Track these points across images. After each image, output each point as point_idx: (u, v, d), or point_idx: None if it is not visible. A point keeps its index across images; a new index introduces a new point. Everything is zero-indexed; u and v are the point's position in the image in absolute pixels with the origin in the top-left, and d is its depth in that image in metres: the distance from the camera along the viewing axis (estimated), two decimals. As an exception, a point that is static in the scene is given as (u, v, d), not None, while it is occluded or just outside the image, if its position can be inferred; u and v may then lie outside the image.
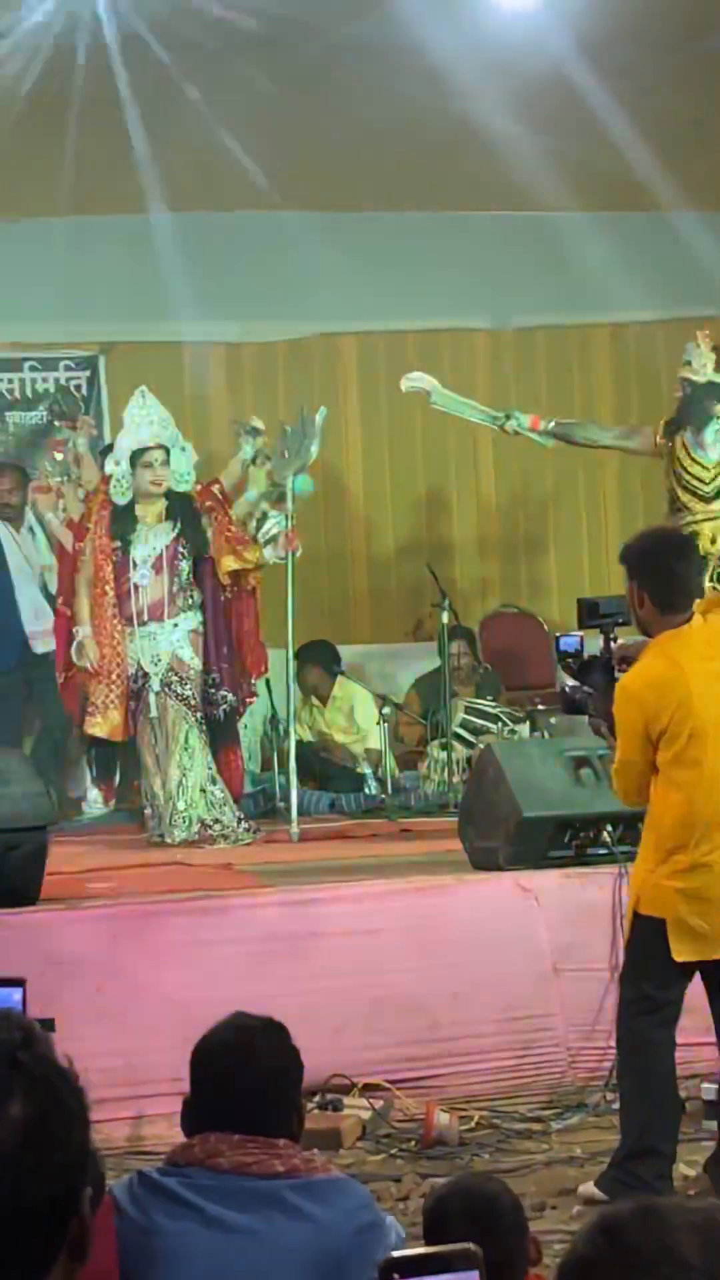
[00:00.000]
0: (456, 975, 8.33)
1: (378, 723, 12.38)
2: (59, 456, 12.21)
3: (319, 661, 12.79)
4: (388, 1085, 7.93)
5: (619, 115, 12.43)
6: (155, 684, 10.62)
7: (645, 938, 6.63)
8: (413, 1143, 7.54)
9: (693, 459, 11.01)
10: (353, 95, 11.99)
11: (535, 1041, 8.31)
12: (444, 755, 11.87)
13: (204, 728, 10.82)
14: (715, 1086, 7.39)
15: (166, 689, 10.64)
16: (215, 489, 11.04)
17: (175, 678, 10.64)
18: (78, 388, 13.54)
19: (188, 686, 10.71)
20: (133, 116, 11.99)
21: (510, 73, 11.84)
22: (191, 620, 10.80)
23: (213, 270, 13.22)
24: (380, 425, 14.20)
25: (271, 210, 13.21)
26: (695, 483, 11.05)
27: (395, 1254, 1.98)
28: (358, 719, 12.73)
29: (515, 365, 14.41)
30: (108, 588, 10.77)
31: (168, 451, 10.84)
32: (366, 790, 12.20)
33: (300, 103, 12.07)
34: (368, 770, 12.36)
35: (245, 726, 11.69)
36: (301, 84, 11.85)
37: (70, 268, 12.91)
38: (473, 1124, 7.72)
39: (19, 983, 4.35)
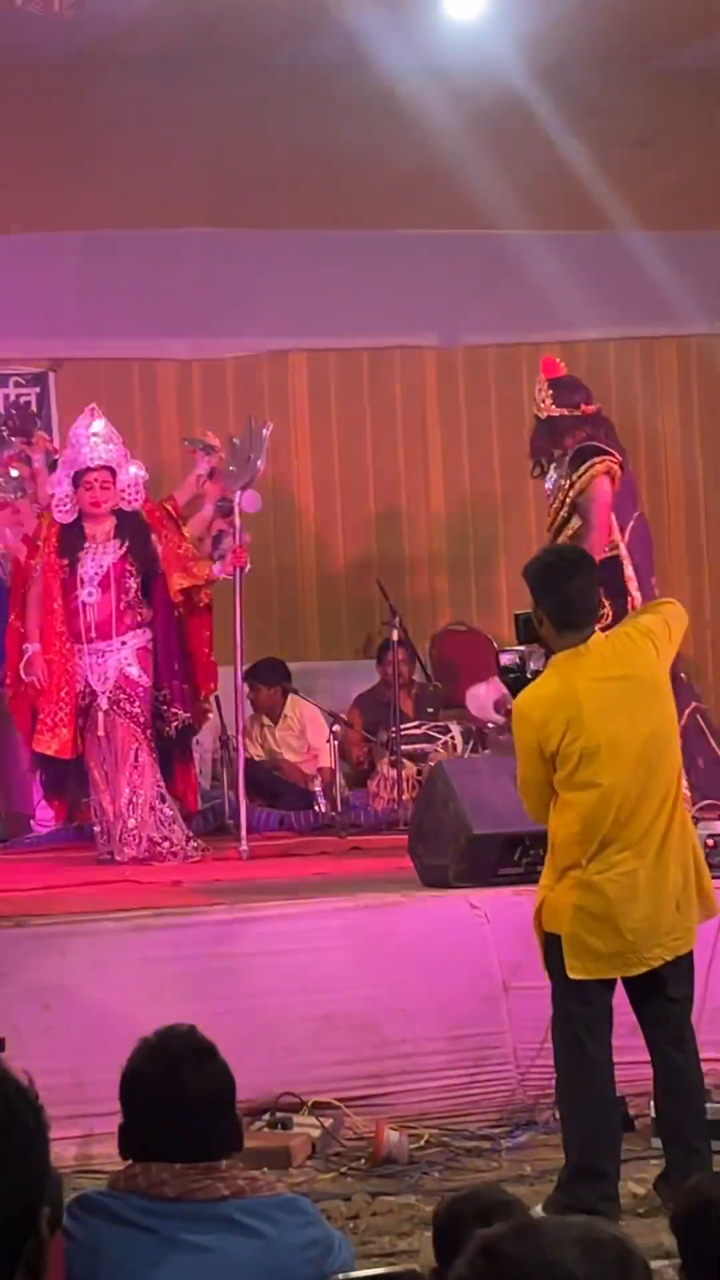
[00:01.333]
0: (406, 993, 8.34)
1: (327, 740, 12.38)
2: (14, 473, 12.17)
3: (270, 680, 12.79)
4: (337, 1103, 7.93)
5: (567, 134, 12.49)
6: (103, 702, 10.58)
7: (552, 954, 6.70)
8: (363, 1161, 7.55)
9: None
10: (300, 114, 12.03)
11: (485, 1059, 8.33)
12: (393, 773, 11.88)
13: (154, 745, 10.77)
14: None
15: (115, 707, 10.58)
16: (168, 505, 10.99)
17: (123, 695, 10.59)
18: (28, 404, 13.51)
19: (136, 704, 10.63)
20: (85, 134, 12.02)
21: (459, 92, 11.88)
22: (140, 638, 10.79)
23: (162, 287, 13.22)
24: (330, 442, 14.20)
25: (221, 227, 13.23)
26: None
27: (343, 1275, 2.01)
28: (309, 737, 12.73)
29: (466, 382, 14.42)
30: (56, 605, 10.74)
31: (113, 472, 10.73)
32: (316, 808, 12.20)
33: (248, 121, 12.11)
34: (318, 788, 12.36)
35: (197, 743, 11.65)
36: (249, 103, 11.88)
37: (20, 283, 12.90)
38: (422, 1142, 7.73)
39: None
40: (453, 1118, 8.07)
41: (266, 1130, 7.61)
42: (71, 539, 10.75)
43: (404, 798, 11.52)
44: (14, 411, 13.39)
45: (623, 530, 10.28)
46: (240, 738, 11.53)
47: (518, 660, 7.40)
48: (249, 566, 11.03)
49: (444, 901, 8.68)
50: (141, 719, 10.68)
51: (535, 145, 12.60)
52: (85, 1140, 7.24)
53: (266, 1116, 7.72)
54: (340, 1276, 2.03)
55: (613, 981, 6.68)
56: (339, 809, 11.90)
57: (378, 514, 14.28)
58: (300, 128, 12.15)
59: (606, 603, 8.67)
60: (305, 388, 14.15)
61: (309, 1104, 7.88)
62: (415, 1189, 7.22)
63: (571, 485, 9.99)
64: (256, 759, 12.68)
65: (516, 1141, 7.76)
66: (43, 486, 11.38)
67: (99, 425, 10.94)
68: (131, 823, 10.52)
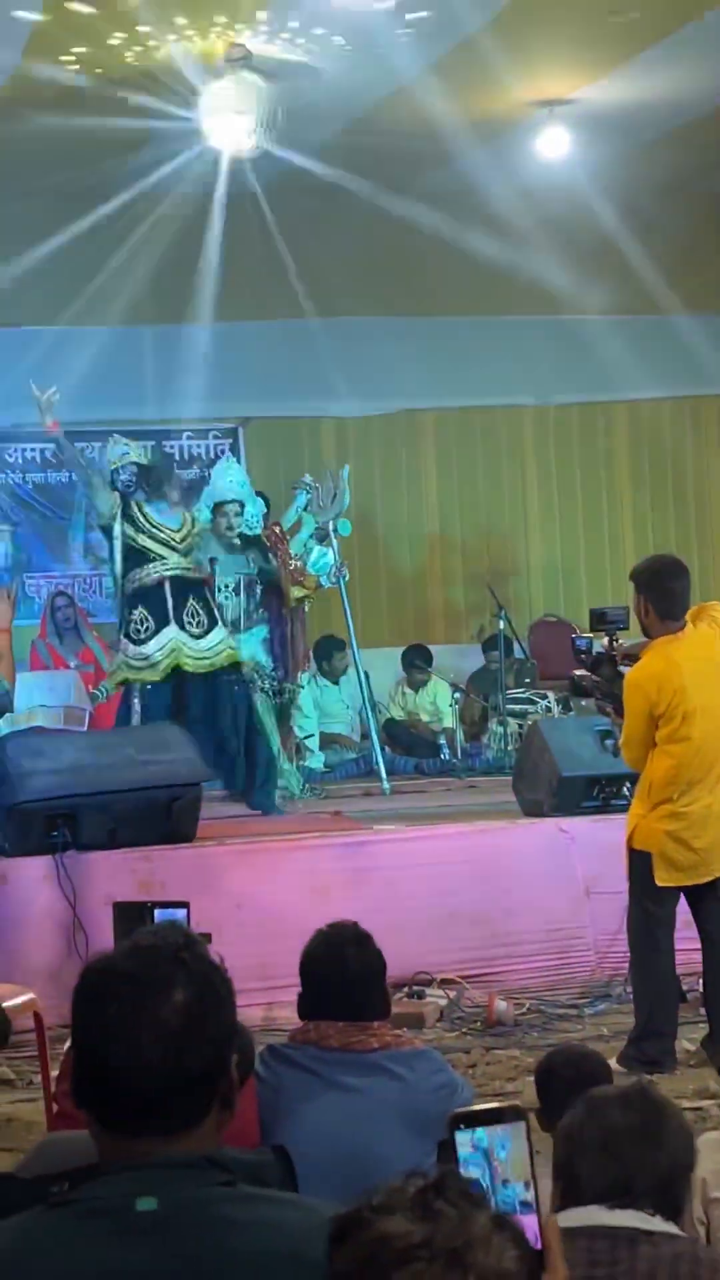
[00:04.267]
0: (511, 897, 8.30)
1: (450, 705, 12.38)
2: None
3: (418, 659, 12.81)
4: (459, 980, 7.90)
5: (631, 242, 12.43)
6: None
7: (639, 867, 6.64)
8: (478, 1023, 7.51)
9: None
10: (428, 233, 12.02)
11: (571, 947, 8.27)
12: (500, 729, 11.84)
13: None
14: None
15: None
16: (276, 529, 10.71)
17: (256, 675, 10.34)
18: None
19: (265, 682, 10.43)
20: (267, 248, 12.06)
21: (546, 211, 11.87)
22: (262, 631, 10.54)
23: (324, 360, 13.23)
24: (452, 481, 14.18)
25: (368, 315, 13.24)
26: None
27: (459, 1110, 1.97)
28: (439, 703, 12.71)
29: (555, 434, 14.38)
30: None
31: (242, 505, 10.39)
32: (442, 756, 12.17)
33: (389, 232, 12.10)
34: (443, 741, 12.34)
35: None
36: (389, 220, 11.88)
37: (220, 359, 12.95)
38: (524, 1010, 7.68)
39: (184, 905, 4.32)
40: (547, 991, 8.01)
41: (405, 1000, 7.57)
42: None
43: (508, 748, 11.47)
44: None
45: None
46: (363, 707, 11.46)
47: (588, 644, 7.41)
48: (347, 576, 10.94)
49: (540, 827, 8.62)
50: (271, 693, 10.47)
51: (606, 250, 12.53)
52: (269, 1006, 7.23)
53: (405, 989, 7.69)
54: (461, 1109, 1.99)
55: (679, 890, 6.61)
56: (459, 757, 11.87)
57: (489, 534, 14.23)
58: (426, 237, 12.12)
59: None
60: (432, 439, 14.13)
61: (437, 980, 7.86)
62: (519, 1045, 7.17)
63: None
64: (397, 718, 12.70)
65: (596, 1010, 7.70)
66: None
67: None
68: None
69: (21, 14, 9.13)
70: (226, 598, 10.35)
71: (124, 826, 7.91)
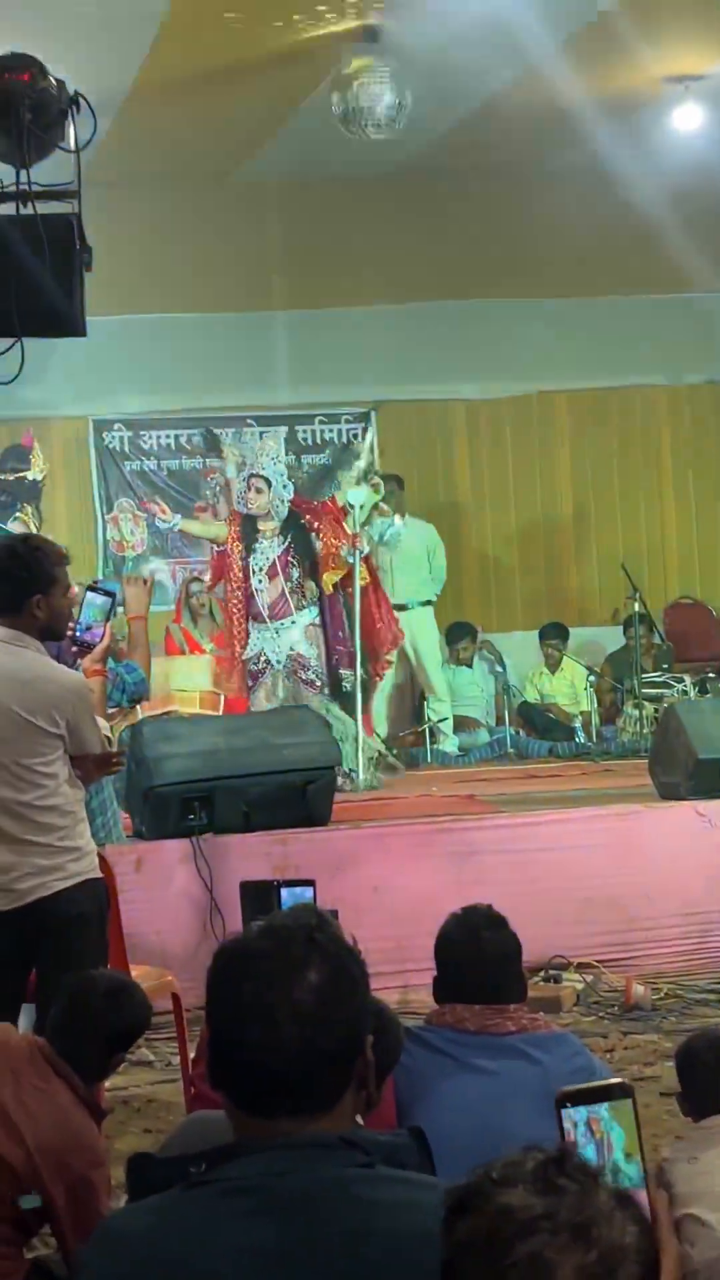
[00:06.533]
0: (648, 880, 8.23)
1: (585, 689, 12.31)
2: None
3: (555, 636, 12.74)
4: (596, 964, 7.86)
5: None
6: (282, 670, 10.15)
7: None
8: (616, 1007, 7.47)
9: None
10: (559, 212, 11.94)
11: (709, 930, 8.19)
12: (636, 712, 11.75)
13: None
14: None
15: (291, 675, 10.10)
16: (331, 504, 10.40)
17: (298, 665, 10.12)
18: (355, 436, 13.55)
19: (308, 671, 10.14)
20: (395, 234, 12.02)
21: (680, 189, 11.74)
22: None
23: (455, 344, 13.20)
24: (585, 462, 14.09)
25: (500, 298, 13.18)
26: None
27: (566, 1088, 1.97)
28: (574, 685, 12.64)
29: (689, 414, 14.24)
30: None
31: (268, 482, 10.14)
32: (577, 739, 12.10)
33: (516, 215, 12.02)
34: (578, 724, 12.28)
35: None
36: (515, 202, 11.82)
37: (351, 344, 12.97)
38: (662, 994, 7.62)
39: (309, 883, 4.34)
40: (684, 975, 7.94)
41: (542, 984, 7.54)
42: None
43: (645, 731, 11.38)
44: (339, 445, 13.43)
45: None
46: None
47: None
48: (363, 548, 10.48)
49: (676, 810, 8.54)
50: (317, 682, 10.17)
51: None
52: (404, 989, 7.22)
53: (542, 973, 7.66)
54: (569, 1088, 1.98)
55: None
56: (595, 740, 11.80)
57: (623, 515, 14.13)
58: (556, 217, 12.04)
59: None
60: (565, 420, 14.04)
61: (574, 964, 7.82)
62: (656, 1029, 7.12)
63: None
64: (531, 701, 12.65)
65: (735, 994, 7.64)
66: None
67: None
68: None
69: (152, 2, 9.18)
70: (260, 582, 10.15)
71: (259, 810, 7.94)
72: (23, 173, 4.97)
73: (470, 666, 12.68)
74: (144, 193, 12.05)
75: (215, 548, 10.54)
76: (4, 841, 4.82)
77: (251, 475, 10.22)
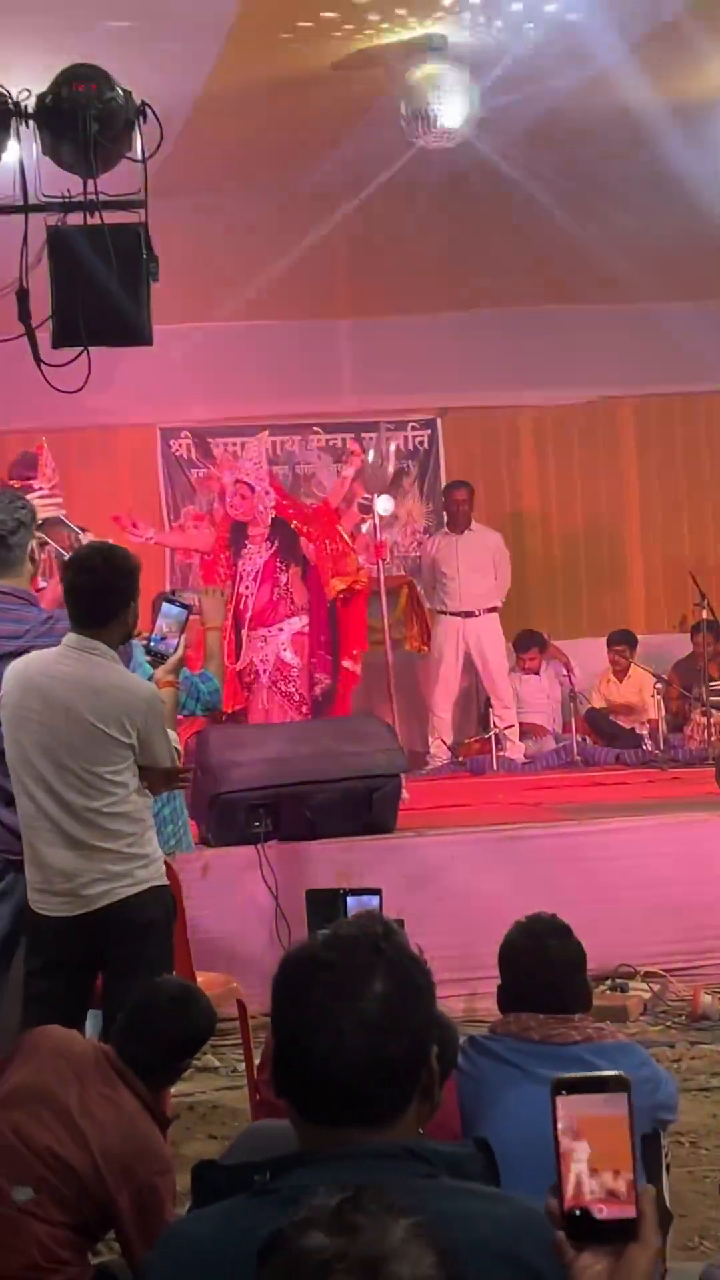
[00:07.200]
0: (715, 890, 8.19)
1: (652, 695, 12.26)
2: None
3: (622, 643, 12.70)
4: (662, 973, 7.82)
5: None
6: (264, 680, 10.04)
7: None
8: (683, 1017, 7.44)
9: None
10: (623, 219, 11.88)
11: (778, 940, 8.16)
12: (704, 720, 11.69)
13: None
14: None
15: (273, 685, 10.00)
16: (325, 505, 10.35)
17: (279, 675, 10.03)
18: (420, 442, 13.54)
19: (291, 683, 10.03)
20: (465, 240, 12.01)
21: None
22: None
23: (520, 351, 13.17)
24: (651, 468, 14.02)
25: (565, 304, 13.14)
26: None
27: (563, 1075, 1.99)
28: (642, 692, 12.59)
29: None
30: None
31: (251, 488, 10.08)
32: (644, 747, 12.05)
33: (583, 219, 11.97)
34: (645, 731, 12.22)
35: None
36: (584, 207, 11.76)
37: (418, 352, 12.96)
38: (729, 1004, 7.60)
39: (376, 891, 4.35)
40: (753, 985, 7.91)
41: (608, 992, 7.51)
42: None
43: (712, 739, 11.32)
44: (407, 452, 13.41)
45: None
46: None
47: None
48: (388, 558, 10.59)
49: (744, 818, 8.51)
50: (296, 694, 10.03)
51: None
52: (470, 997, 7.22)
53: (609, 982, 7.64)
54: (564, 1075, 2.00)
55: None
56: (662, 748, 11.75)
57: (690, 521, 14.05)
58: (620, 224, 11.98)
59: None
60: (631, 426, 13.99)
61: (641, 973, 7.80)
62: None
63: None
64: (598, 708, 12.61)
65: None
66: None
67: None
68: None
69: (221, 7, 9.20)
70: (247, 587, 10.04)
71: (324, 817, 7.95)
72: (90, 183, 5.00)
73: (538, 674, 12.65)
74: (211, 202, 12.06)
75: (202, 556, 10.47)
76: (73, 848, 4.85)
77: (237, 481, 10.18)
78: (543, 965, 3.91)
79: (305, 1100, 2.16)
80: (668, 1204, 3.85)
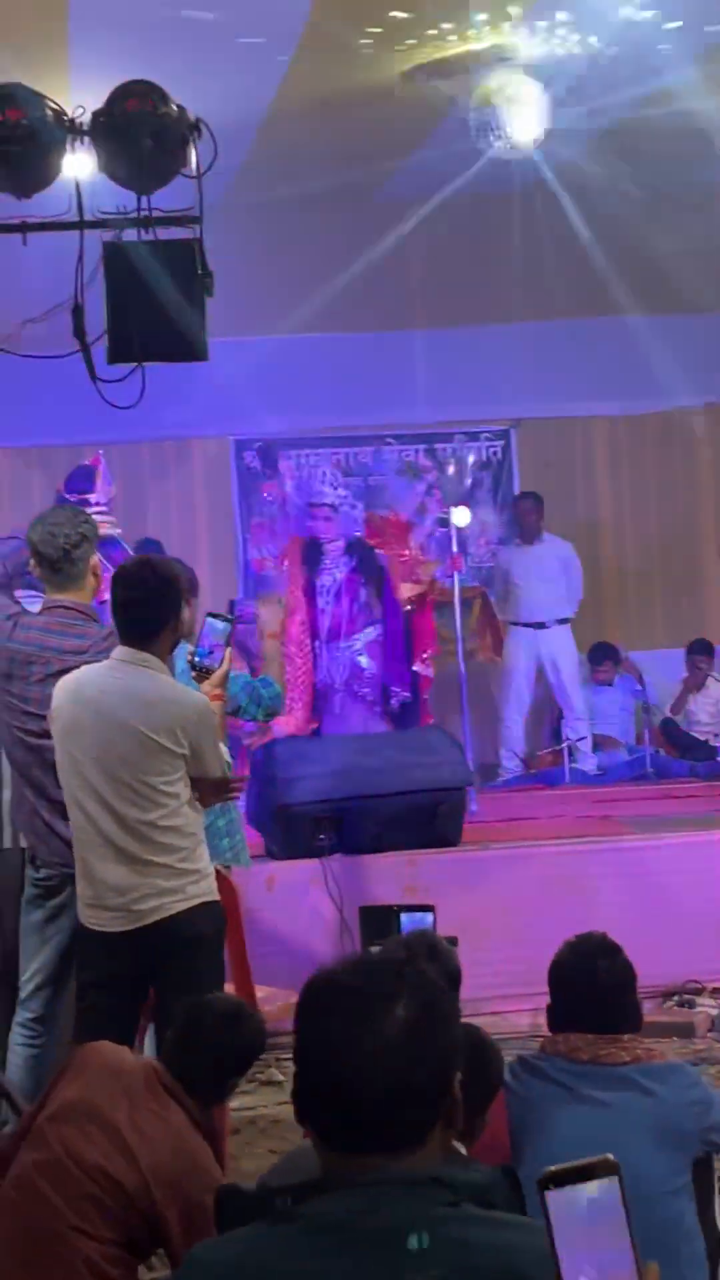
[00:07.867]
0: (786, 904, 8.12)
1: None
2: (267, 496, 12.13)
3: (701, 653, 12.59)
4: (731, 989, 7.77)
5: None
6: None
7: None
8: (751, 1034, 7.38)
9: None
10: (696, 229, 11.83)
11: None
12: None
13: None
14: None
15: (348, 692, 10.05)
16: (392, 517, 10.49)
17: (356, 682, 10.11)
18: (494, 454, 13.50)
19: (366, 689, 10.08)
20: (530, 251, 11.98)
21: None
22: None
23: (594, 361, 13.12)
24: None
25: (638, 314, 13.06)
26: None
27: (550, 1168, 1.97)
28: (718, 704, 12.49)
29: None
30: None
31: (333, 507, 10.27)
32: (718, 759, 11.95)
33: (629, 233, 11.92)
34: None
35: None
36: (628, 221, 11.71)
37: (490, 362, 12.93)
38: None
39: (429, 908, 4.33)
40: None
41: (675, 1008, 7.46)
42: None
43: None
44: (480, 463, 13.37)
45: None
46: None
47: None
48: (464, 570, 10.58)
49: None
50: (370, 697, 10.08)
51: None
52: (535, 1012, 7.16)
53: (675, 998, 7.58)
54: (551, 1169, 1.98)
55: None
56: (737, 761, 11.66)
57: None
58: (693, 234, 11.92)
59: None
60: (706, 437, 13.88)
61: (708, 988, 7.73)
62: None
63: None
64: (674, 720, 12.51)
65: None
66: None
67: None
68: None
69: (291, 16, 9.22)
70: (326, 603, 10.08)
71: (388, 830, 7.94)
72: (144, 199, 5.02)
73: (611, 685, 12.58)
74: (283, 215, 12.12)
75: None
76: (126, 862, 4.85)
77: (313, 505, 10.22)
78: (592, 985, 3.89)
79: (326, 1127, 2.15)
80: (719, 1230, 3.81)
